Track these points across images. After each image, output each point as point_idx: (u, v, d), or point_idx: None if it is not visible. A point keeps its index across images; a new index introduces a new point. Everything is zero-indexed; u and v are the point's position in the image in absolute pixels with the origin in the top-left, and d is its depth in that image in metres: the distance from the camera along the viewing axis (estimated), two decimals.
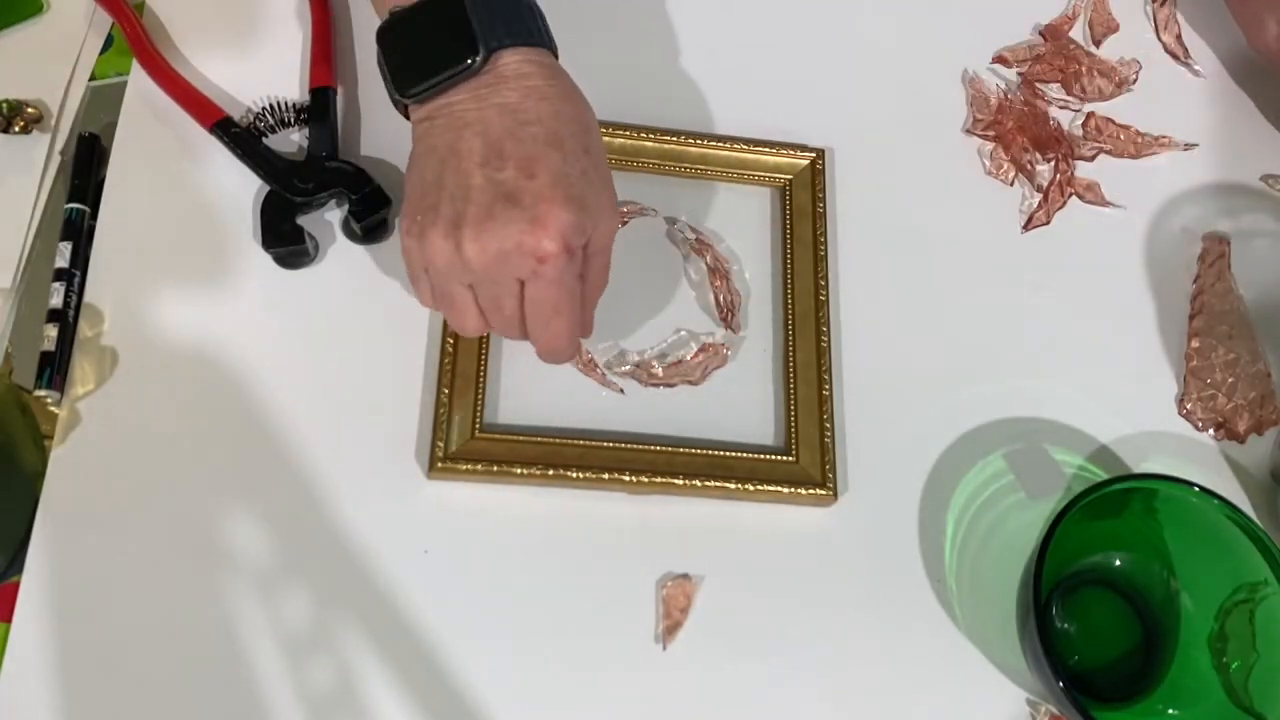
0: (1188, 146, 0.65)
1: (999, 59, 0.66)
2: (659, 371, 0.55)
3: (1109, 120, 0.65)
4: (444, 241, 0.44)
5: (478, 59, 0.45)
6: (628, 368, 0.54)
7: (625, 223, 0.57)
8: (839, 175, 0.61)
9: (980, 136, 0.63)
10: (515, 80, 0.46)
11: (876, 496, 0.54)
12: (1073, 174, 0.63)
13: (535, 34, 0.47)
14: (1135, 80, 0.66)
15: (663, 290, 0.57)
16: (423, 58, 0.46)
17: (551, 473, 0.50)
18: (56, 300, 0.51)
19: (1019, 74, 0.66)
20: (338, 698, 0.47)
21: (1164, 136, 0.65)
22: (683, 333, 0.56)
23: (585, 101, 0.48)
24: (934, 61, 0.66)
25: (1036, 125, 0.63)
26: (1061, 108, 0.65)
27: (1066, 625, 0.53)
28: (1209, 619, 0.51)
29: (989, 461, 0.55)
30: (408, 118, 0.48)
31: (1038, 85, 0.65)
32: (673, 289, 0.57)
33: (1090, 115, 0.65)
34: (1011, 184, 0.63)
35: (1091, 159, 0.64)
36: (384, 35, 0.48)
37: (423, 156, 0.46)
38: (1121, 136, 0.65)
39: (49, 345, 0.50)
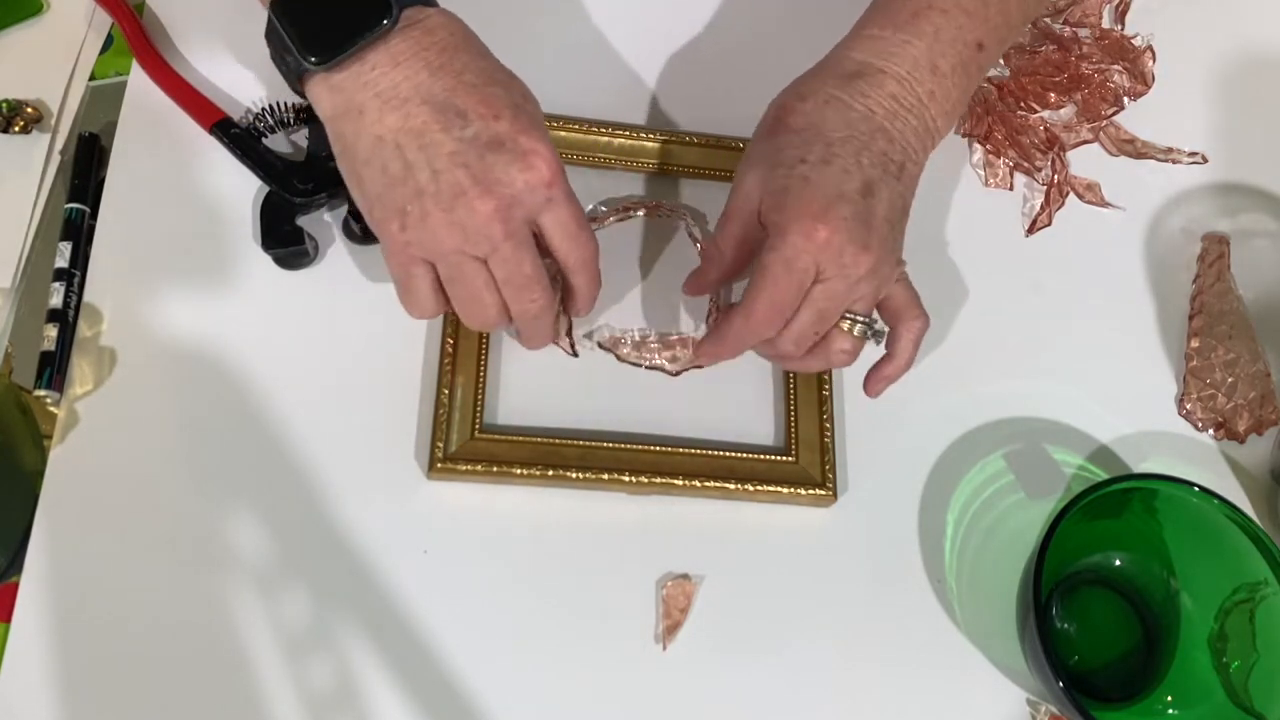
0: (1192, 155, 0.65)
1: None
2: (627, 352, 0.55)
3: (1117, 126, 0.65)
4: (448, 216, 0.44)
5: (392, 17, 0.44)
6: (599, 340, 0.55)
7: (660, 216, 0.58)
8: None
9: (971, 137, 0.63)
10: (425, 37, 0.45)
11: (876, 496, 0.54)
12: (1069, 172, 0.63)
13: None
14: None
15: (664, 286, 0.57)
16: (333, 23, 0.45)
17: (551, 473, 0.50)
18: (56, 300, 0.51)
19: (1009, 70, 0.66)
20: (338, 698, 0.47)
21: (1172, 149, 0.65)
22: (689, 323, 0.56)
23: (469, 29, 0.48)
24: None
25: (1021, 131, 0.63)
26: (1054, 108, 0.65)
27: (1066, 625, 0.53)
28: (1209, 619, 0.51)
29: (989, 461, 0.55)
30: (301, 95, 0.47)
31: (1025, 82, 0.65)
32: (676, 285, 0.57)
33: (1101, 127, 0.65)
34: (1011, 188, 0.63)
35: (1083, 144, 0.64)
36: (285, 3, 0.45)
37: (371, 151, 0.45)
38: (1134, 142, 0.65)
39: (49, 345, 0.50)
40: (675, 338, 0.55)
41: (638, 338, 0.55)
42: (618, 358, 0.55)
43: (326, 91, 0.46)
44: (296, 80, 0.47)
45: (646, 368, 0.55)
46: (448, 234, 0.44)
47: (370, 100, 0.45)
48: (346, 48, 0.44)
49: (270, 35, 0.47)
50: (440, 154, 0.44)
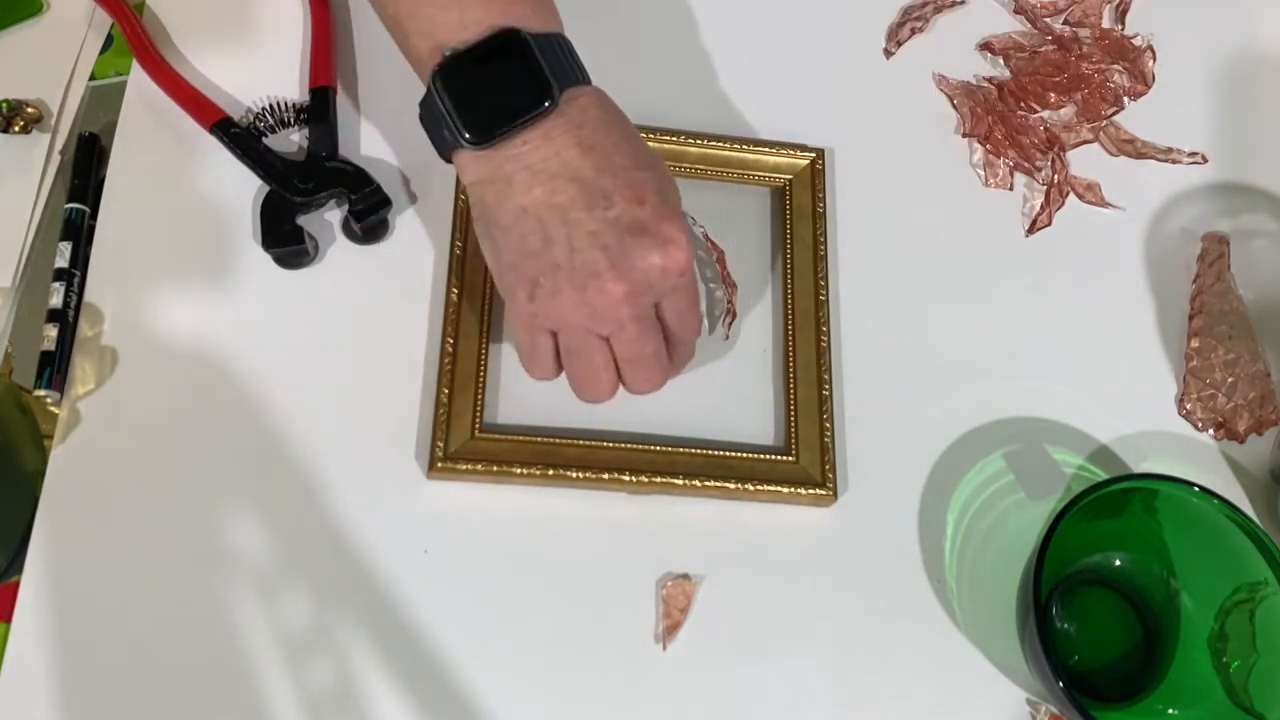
0: (1192, 155, 0.65)
1: (985, 45, 0.66)
2: None
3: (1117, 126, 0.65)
4: (579, 295, 0.45)
5: (554, 100, 0.45)
6: None
7: None
8: (839, 175, 0.61)
9: (971, 137, 0.63)
10: (579, 115, 0.46)
11: (876, 496, 0.54)
12: (1069, 172, 0.63)
13: (585, 72, 0.48)
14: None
15: None
16: (496, 103, 0.45)
17: (551, 473, 0.50)
18: (56, 300, 0.51)
19: (1009, 69, 0.66)
20: (338, 698, 0.47)
21: (1172, 149, 0.65)
22: None
23: (618, 109, 0.49)
24: (935, 61, 0.65)
25: (1021, 131, 0.63)
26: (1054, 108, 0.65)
27: (1066, 625, 0.53)
28: (1209, 619, 0.51)
29: (989, 461, 0.55)
30: (449, 160, 0.47)
31: (1025, 82, 0.65)
32: None
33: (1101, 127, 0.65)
34: (1011, 188, 0.63)
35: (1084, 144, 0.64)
36: (446, 76, 0.46)
37: (512, 220, 0.45)
38: (1135, 142, 0.65)
39: (49, 345, 0.50)
40: None
41: None
42: None
43: (473, 160, 0.46)
44: (446, 150, 0.47)
45: None
46: (576, 311, 0.45)
47: (519, 172, 0.45)
48: (505, 128, 0.45)
49: (426, 106, 0.47)
50: (581, 232, 0.45)
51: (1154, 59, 0.67)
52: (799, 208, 0.59)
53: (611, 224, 0.45)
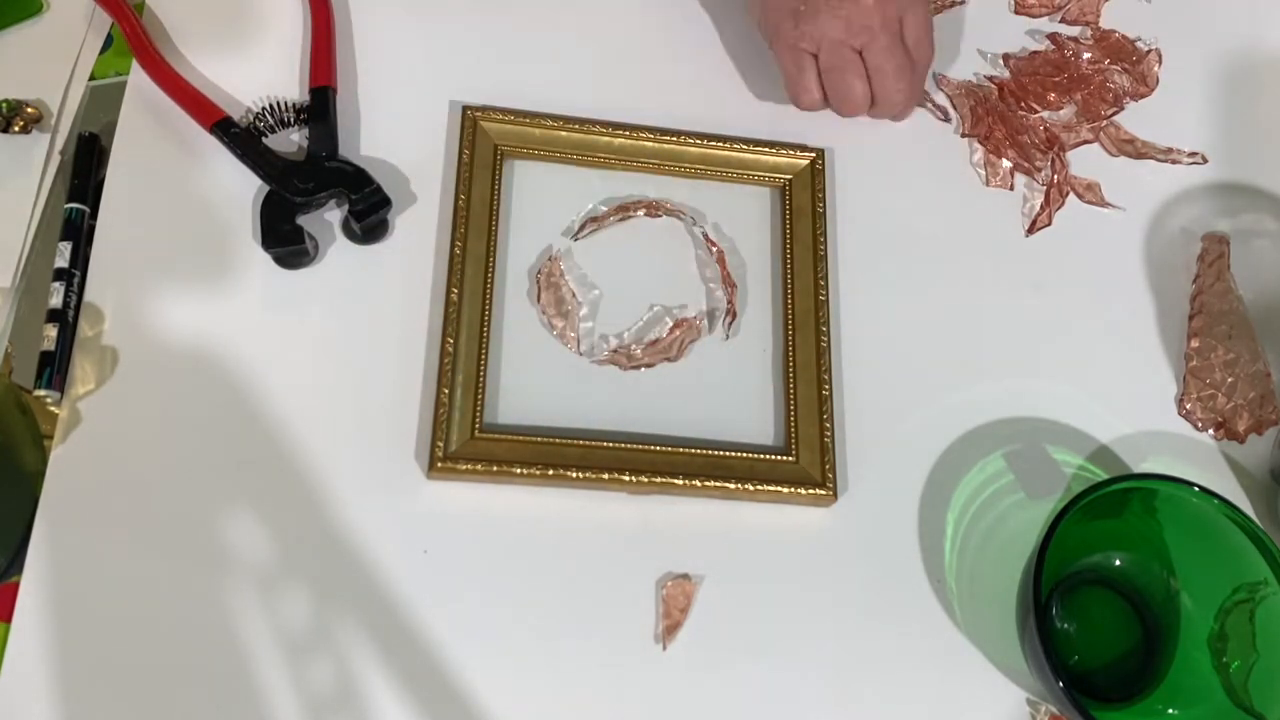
0: (1192, 155, 0.65)
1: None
2: (638, 353, 0.55)
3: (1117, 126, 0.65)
4: (834, 11, 0.54)
5: None
6: (606, 354, 0.55)
7: (660, 216, 0.58)
8: (839, 175, 0.61)
9: (971, 137, 0.63)
10: None
11: (876, 496, 0.54)
12: (1069, 172, 0.63)
13: None
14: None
15: (664, 286, 0.57)
16: None
17: (551, 473, 0.50)
18: (56, 300, 0.51)
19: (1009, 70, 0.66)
20: (338, 698, 0.47)
21: (1172, 149, 0.65)
22: (657, 308, 0.56)
23: None
24: (935, 61, 0.65)
25: (1021, 131, 0.63)
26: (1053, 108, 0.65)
27: (1066, 625, 0.53)
28: (1209, 619, 0.51)
29: (989, 461, 0.55)
30: None
31: (1025, 82, 0.65)
32: (676, 285, 0.57)
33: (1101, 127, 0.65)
34: (1011, 188, 0.63)
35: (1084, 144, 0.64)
36: None
37: None
38: (1134, 142, 0.65)
39: (49, 345, 0.50)
40: (677, 321, 0.56)
41: (633, 335, 0.55)
42: (627, 360, 0.55)
43: None
44: None
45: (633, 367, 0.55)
46: (833, 25, 0.55)
47: None
48: None
49: None
50: None
51: (1159, 63, 0.67)
52: (799, 208, 0.59)
53: None
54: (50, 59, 0.58)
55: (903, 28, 0.57)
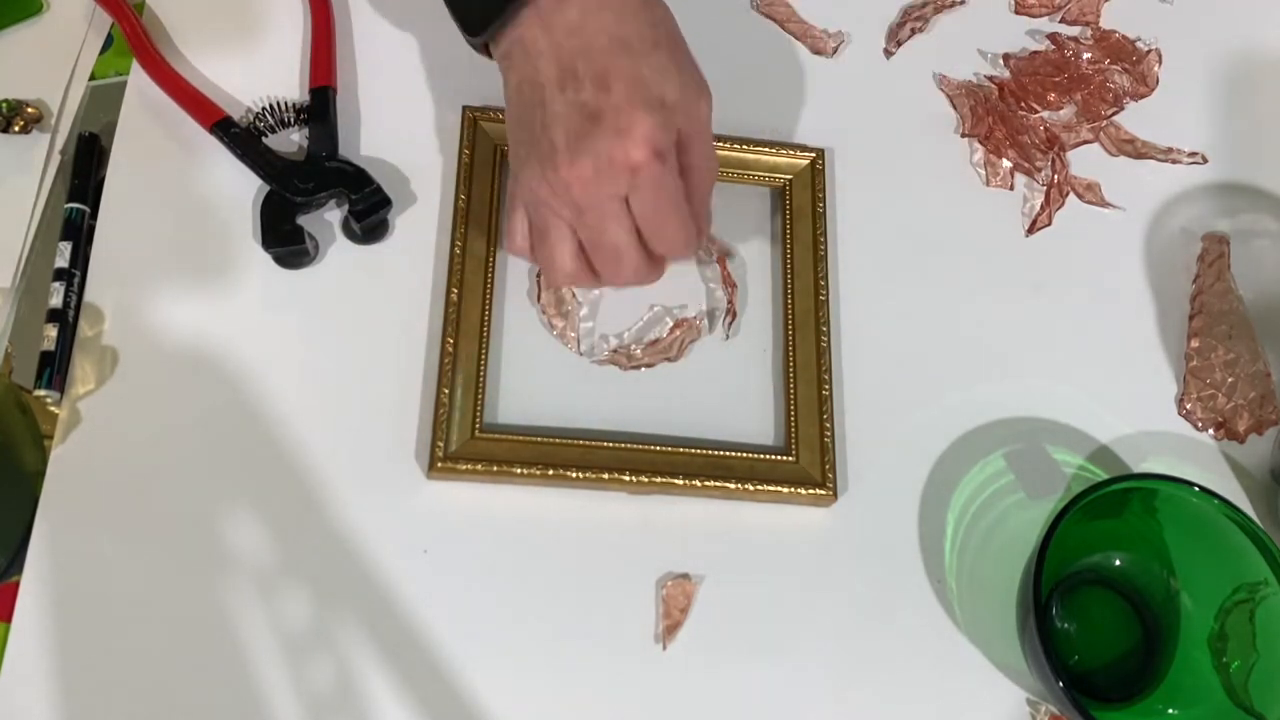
0: (1192, 155, 0.65)
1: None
2: (638, 353, 0.55)
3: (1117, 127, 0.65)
4: (540, 171, 0.46)
5: None
6: (606, 354, 0.55)
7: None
8: (839, 175, 0.61)
9: (971, 137, 0.63)
10: (576, 1, 0.46)
11: (876, 496, 0.54)
12: (1069, 172, 0.63)
13: None
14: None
15: (664, 285, 0.57)
16: None
17: (551, 473, 0.50)
18: (56, 300, 0.51)
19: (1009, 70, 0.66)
20: (338, 698, 0.47)
21: (1172, 149, 0.65)
22: (657, 308, 0.56)
23: None
24: (935, 61, 0.65)
25: (1021, 131, 0.63)
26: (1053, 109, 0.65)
27: (1066, 625, 0.53)
28: (1209, 619, 0.51)
29: (989, 461, 0.55)
30: (490, 56, 0.49)
31: (1025, 82, 0.65)
32: (676, 285, 0.57)
33: (1101, 127, 0.65)
34: (1011, 188, 0.63)
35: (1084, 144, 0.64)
36: None
37: (511, 96, 0.48)
38: (1134, 142, 0.65)
39: (49, 345, 0.50)
40: (677, 321, 0.56)
41: (633, 335, 0.55)
42: (627, 361, 0.55)
43: (487, 38, 0.48)
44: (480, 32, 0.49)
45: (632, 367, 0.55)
46: (538, 186, 0.46)
47: (516, 49, 0.47)
48: (494, 23, 0.47)
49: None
50: (550, 113, 0.46)
51: (1159, 63, 0.67)
52: (799, 208, 0.59)
53: (576, 107, 0.45)
54: (50, 59, 0.58)
55: (630, 205, 0.46)
